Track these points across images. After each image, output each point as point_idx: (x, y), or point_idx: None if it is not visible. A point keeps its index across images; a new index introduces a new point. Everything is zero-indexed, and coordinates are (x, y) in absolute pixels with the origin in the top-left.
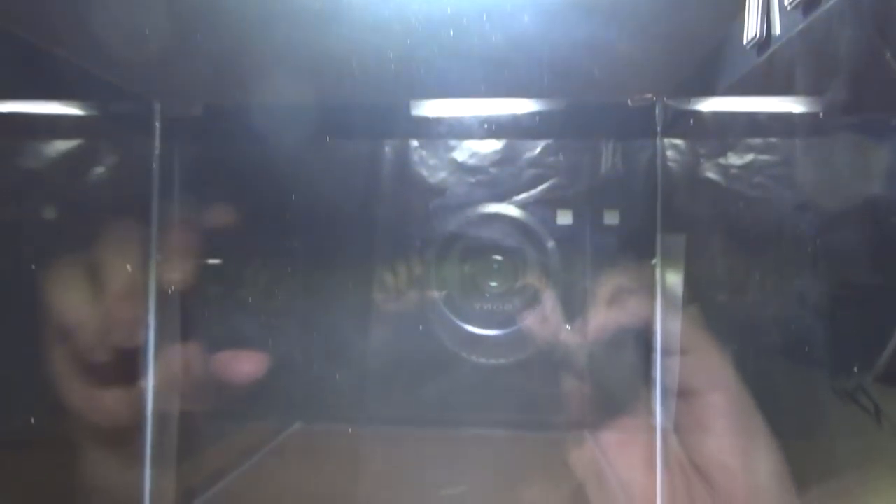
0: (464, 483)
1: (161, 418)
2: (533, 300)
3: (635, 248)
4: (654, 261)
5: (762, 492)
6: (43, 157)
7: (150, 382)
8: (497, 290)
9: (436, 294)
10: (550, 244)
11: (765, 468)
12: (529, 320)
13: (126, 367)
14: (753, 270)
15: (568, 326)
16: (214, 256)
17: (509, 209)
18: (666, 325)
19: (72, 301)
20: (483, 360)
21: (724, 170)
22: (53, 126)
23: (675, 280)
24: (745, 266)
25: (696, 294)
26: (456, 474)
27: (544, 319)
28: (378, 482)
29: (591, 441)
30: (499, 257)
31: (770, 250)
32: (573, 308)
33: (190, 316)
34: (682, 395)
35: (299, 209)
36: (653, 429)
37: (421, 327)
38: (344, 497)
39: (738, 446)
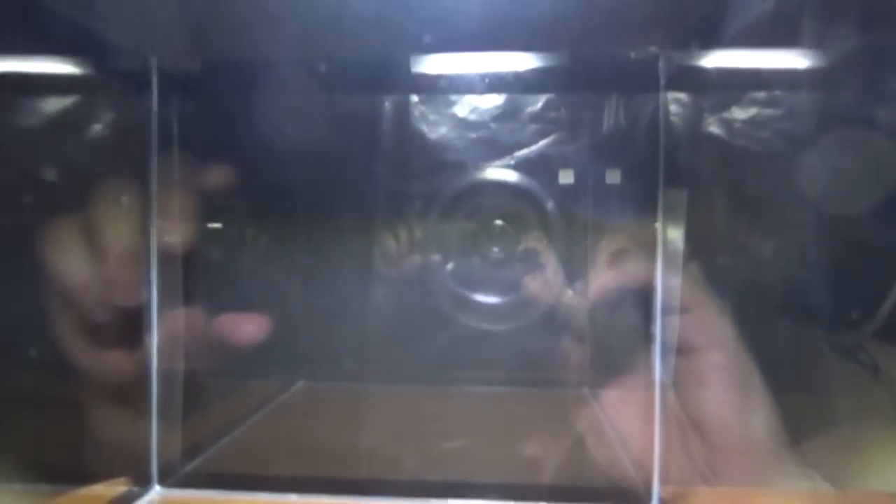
0: (465, 437)
1: (166, 377)
2: (534, 264)
3: (637, 205)
4: (656, 222)
5: (757, 446)
6: (37, 115)
7: (153, 340)
8: (498, 255)
9: (436, 258)
10: (551, 206)
11: (760, 424)
12: (531, 285)
13: (129, 326)
14: (756, 227)
15: (570, 289)
16: (213, 214)
17: (510, 174)
18: (667, 282)
19: (70, 260)
20: (484, 326)
21: (728, 124)
22: (47, 83)
23: (676, 237)
24: (747, 222)
25: (697, 251)
26: (457, 429)
27: (546, 283)
28: (380, 437)
29: (590, 397)
30: (500, 222)
31: (773, 207)
32: (575, 269)
33: (190, 275)
34: (681, 351)
35: (299, 166)
36: (652, 384)
37: (421, 290)
38: (347, 450)
39: (734, 402)
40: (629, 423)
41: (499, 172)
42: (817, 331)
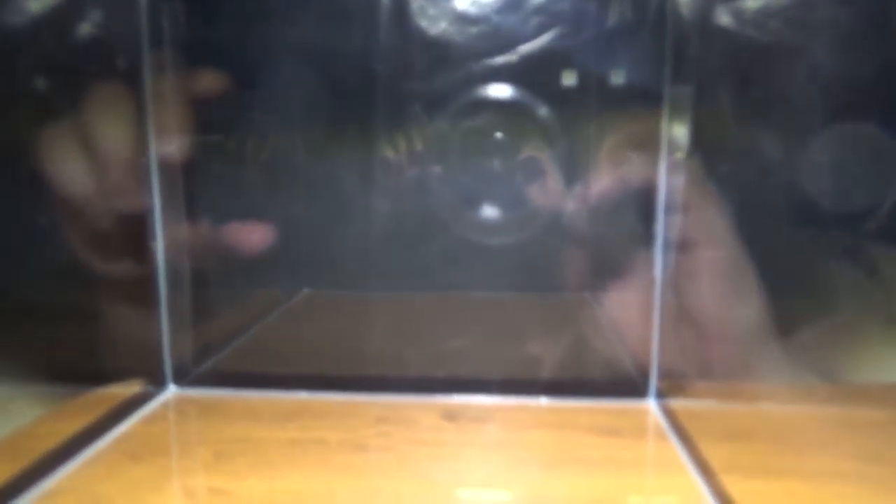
0: (467, 337)
1: (173, 282)
2: (536, 172)
3: (642, 103)
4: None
5: (749, 340)
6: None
7: (158, 244)
8: (498, 165)
9: (436, 170)
10: (552, 112)
11: (753, 320)
12: (532, 196)
13: (133, 233)
14: (762, 124)
15: (571, 194)
16: (207, 117)
17: (508, 90)
18: (670, 182)
19: (66, 167)
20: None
21: (738, 14)
22: None
23: (681, 134)
24: (754, 119)
25: (701, 148)
26: (459, 331)
27: (547, 192)
28: (384, 339)
29: (591, 301)
30: (500, 134)
31: (781, 102)
32: (577, 173)
33: (190, 182)
34: (681, 249)
35: (295, 66)
36: (652, 283)
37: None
38: (353, 351)
39: (726, 294)
40: (628, 322)
41: (500, 76)
42: (818, 232)
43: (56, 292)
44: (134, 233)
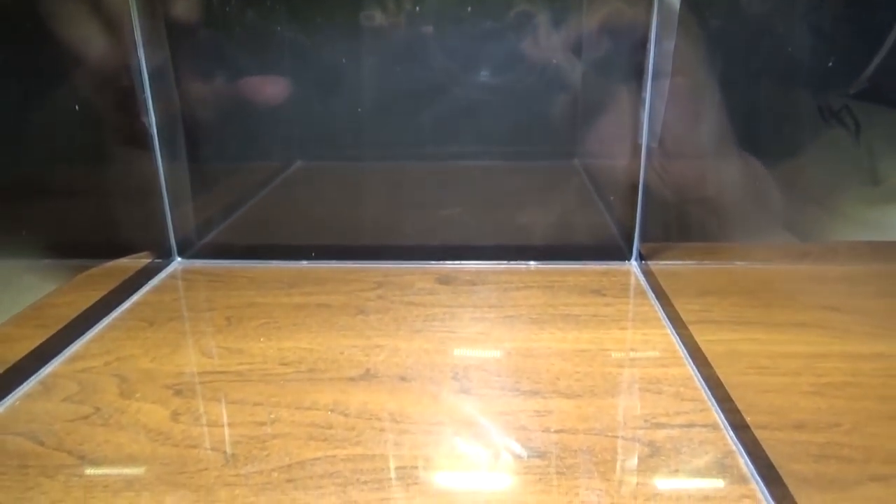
0: (459, 206)
1: (170, 157)
2: (527, 27)
3: None
4: None
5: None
6: None
7: (151, 119)
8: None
9: (429, 29)
10: None
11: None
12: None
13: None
14: None
15: (563, 55)
16: None
17: None
18: (660, 46)
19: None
20: (477, 95)
21: None
22: None
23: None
24: None
25: (693, 10)
26: (451, 199)
27: (538, 46)
28: (379, 209)
29: (580, 168)
30: None
31: None
32: (568, 31)
33: (178, 55)
34: (669, 109)
35: None
36: (638, 150)
37: (412, 63)
38: (349, 221)
39: (690, 120)
40: (614, 188)
41: None
42: (805, 93)
43: (60, 172)
44: (128, 109)
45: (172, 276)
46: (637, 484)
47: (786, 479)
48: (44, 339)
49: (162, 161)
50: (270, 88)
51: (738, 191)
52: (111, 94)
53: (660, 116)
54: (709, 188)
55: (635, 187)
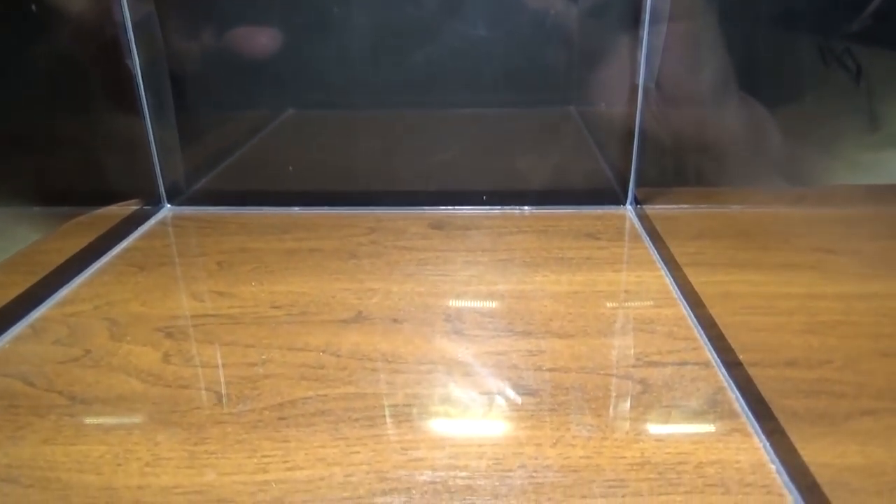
0: (454, 153)
1: (156, 104)
2: None
3: None
4: None
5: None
6: None
7: (135, 62)
8: None
9: None
10: None
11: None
12: None
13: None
14: None
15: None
16: None
17: None
18: None
19: None
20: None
21: None
22: None
23: None
24: None
25: None
26: (446, 146)
27: None
28: (372, 155)
29: (576, 114)
30: None
31: None
32: None
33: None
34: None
35: None
36: (634, 95)
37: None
38: (342, 168)
39: (688, 67)
40: (610, 134)
41: None
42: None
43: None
44: (112, 53)
45: (162, 223)
46: (629, 420)
47: (777, 414)
48: (32, 283)
49: (148, 108)
50: (261, 39)
51: (735, 135)
52: (94, 38)
53: (657, 58)
54: (706, 132)
55: (631, 133)
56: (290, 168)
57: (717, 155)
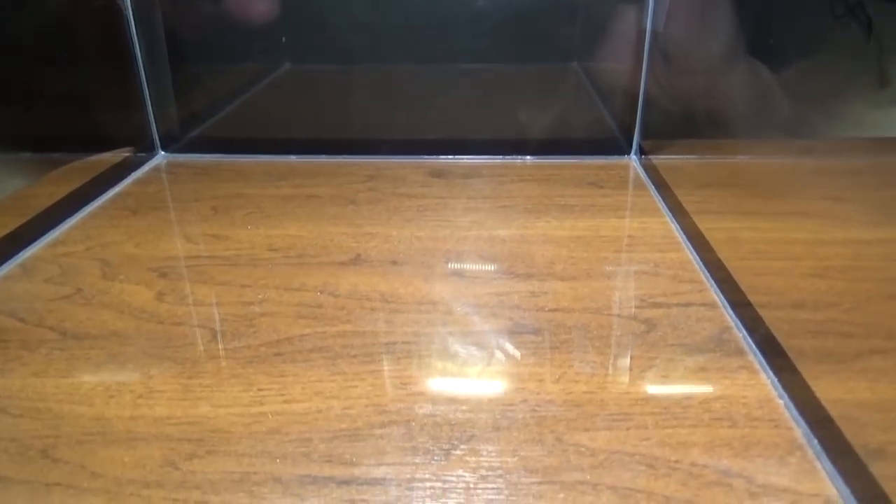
0: (455, 105)
1: (149, 49)
2: None
3: None
4: None
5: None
6: None
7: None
8: None
9: None
10: None
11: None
12: None
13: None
14: None
15: None
16: None
17: None
18: None
19: None
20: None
21: None
22: None
23: None
24: None
25: None
26: (447, 99)
27: None
28: (371, 105)
29: (579, 70)
30: None
31: None
32: None
33: None
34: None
35: None
36: (639, 48)
37: None
38: (340, 118)
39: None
40: (614, 85)
41: None
42: None
43: (34, 67)
44: None
45: (156, 170)
46: (633, 357)
47: (788, 352)
48: (21, 224)
49: (142, 55)
50: (259, 5)
51: (742, 89)
52: None
53: (665, 4)
54: (712, 85)
55: (637, 82)
56: (284, 39)
57: (722, 114)
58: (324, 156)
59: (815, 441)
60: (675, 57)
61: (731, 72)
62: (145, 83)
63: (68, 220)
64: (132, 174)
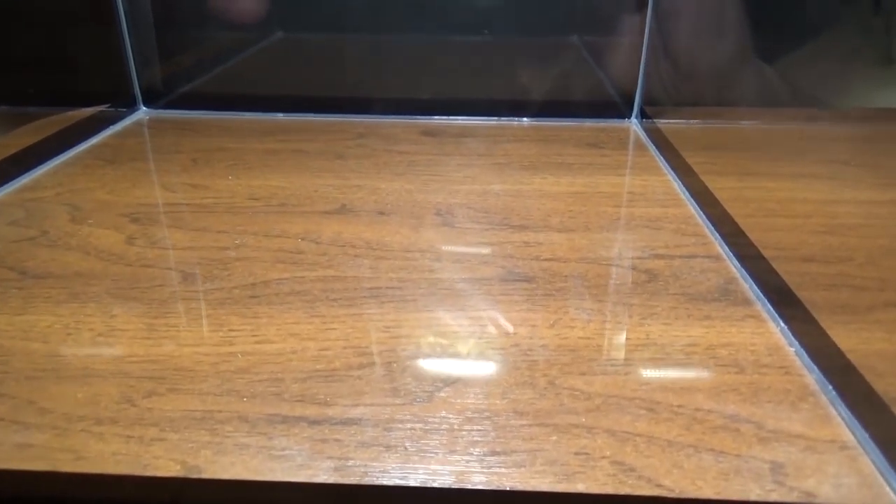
0: (453, 72)
1: (132, 7)
2: None
3: None
4: None
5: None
6: None
7: None
8: None
9: None
10: None
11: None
12: None
13: None
14: None
15: None
16: None
17: None
18: None
19: None
20: None
21: None
22: None
23: None
24: None
25: None
26: (445, 67)
27: None
28: (364, 70)
29: (579, 43)
30: None
31: None
32: None
33: None
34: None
35: None
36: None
37: None
38: (331, 79)
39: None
40: (615, 50)
41: None
42: None
43: (12, 20)
44: None
45: (137, 124)
46: (632, 305)
47: (802, 301)
48: None
49: (125, 13)
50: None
51: (747, 84)
52: None
53: None
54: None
55: (638, 45)
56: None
57: (723, 83)
58: (313, 114)
59: (831, 388)
60: (676, 25)
61: (732, 46)
62: (127, 40)
63: (39, 168)
64: (111, 127)
